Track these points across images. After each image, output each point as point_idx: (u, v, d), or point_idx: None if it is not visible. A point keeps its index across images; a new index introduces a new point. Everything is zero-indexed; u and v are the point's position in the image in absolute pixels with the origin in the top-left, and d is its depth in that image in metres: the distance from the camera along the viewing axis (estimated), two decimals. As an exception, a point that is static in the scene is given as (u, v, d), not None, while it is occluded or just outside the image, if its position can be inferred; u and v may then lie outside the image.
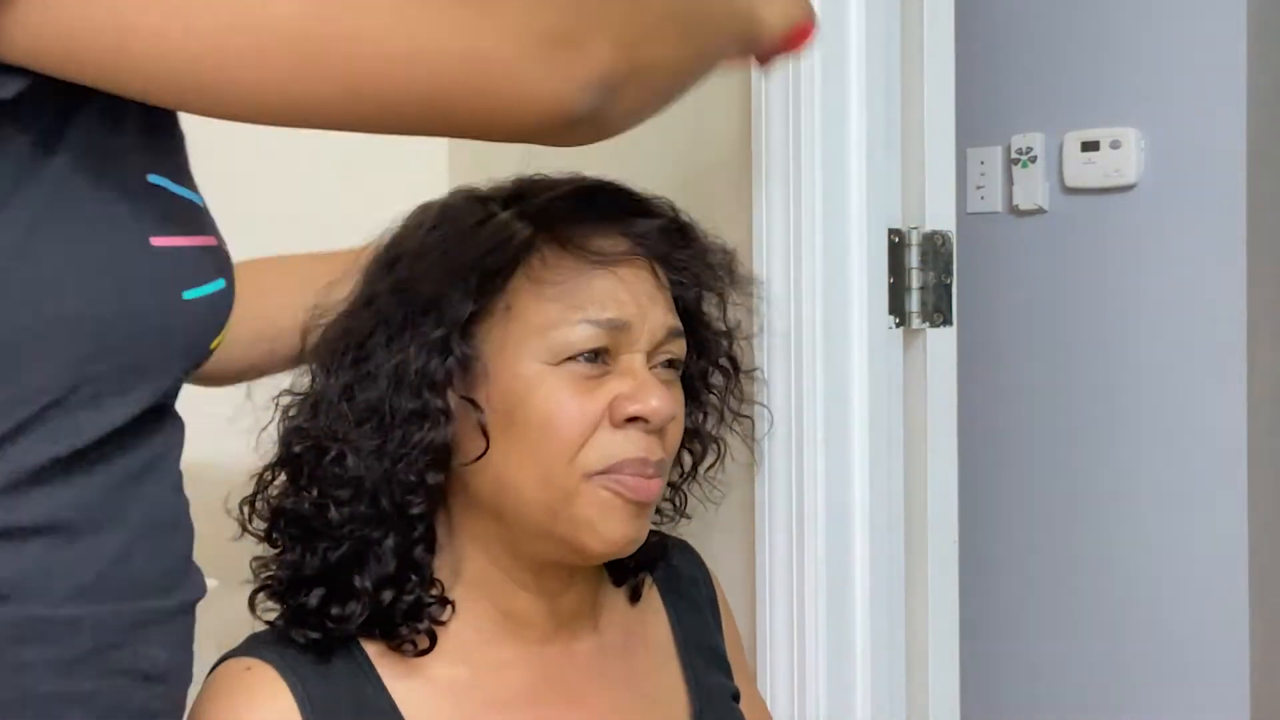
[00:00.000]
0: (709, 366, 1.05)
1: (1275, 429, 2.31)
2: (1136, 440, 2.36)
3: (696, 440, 1.06)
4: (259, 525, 0.98)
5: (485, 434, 0.93)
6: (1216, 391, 2.26)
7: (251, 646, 0.96)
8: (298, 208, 1.16)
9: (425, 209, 1.02)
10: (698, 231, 1.02)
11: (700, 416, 1.06)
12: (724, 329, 1.06)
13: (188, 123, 1.27)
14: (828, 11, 1.41)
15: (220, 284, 0.81)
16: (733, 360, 1.07)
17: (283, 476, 0.97)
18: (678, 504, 1.08)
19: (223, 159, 1.31)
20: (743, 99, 1.46)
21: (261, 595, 0.98)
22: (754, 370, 1.13)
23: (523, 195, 0.98)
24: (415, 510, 0.94)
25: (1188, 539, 2.30)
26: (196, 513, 1.05)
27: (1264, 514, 2.28)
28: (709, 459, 1.08)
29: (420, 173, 1.35)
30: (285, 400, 0.98)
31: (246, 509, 0.98)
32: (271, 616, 0.99)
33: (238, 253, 1.09)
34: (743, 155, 1.46)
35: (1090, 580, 2.42)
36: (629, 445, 0.93)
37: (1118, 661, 2.39)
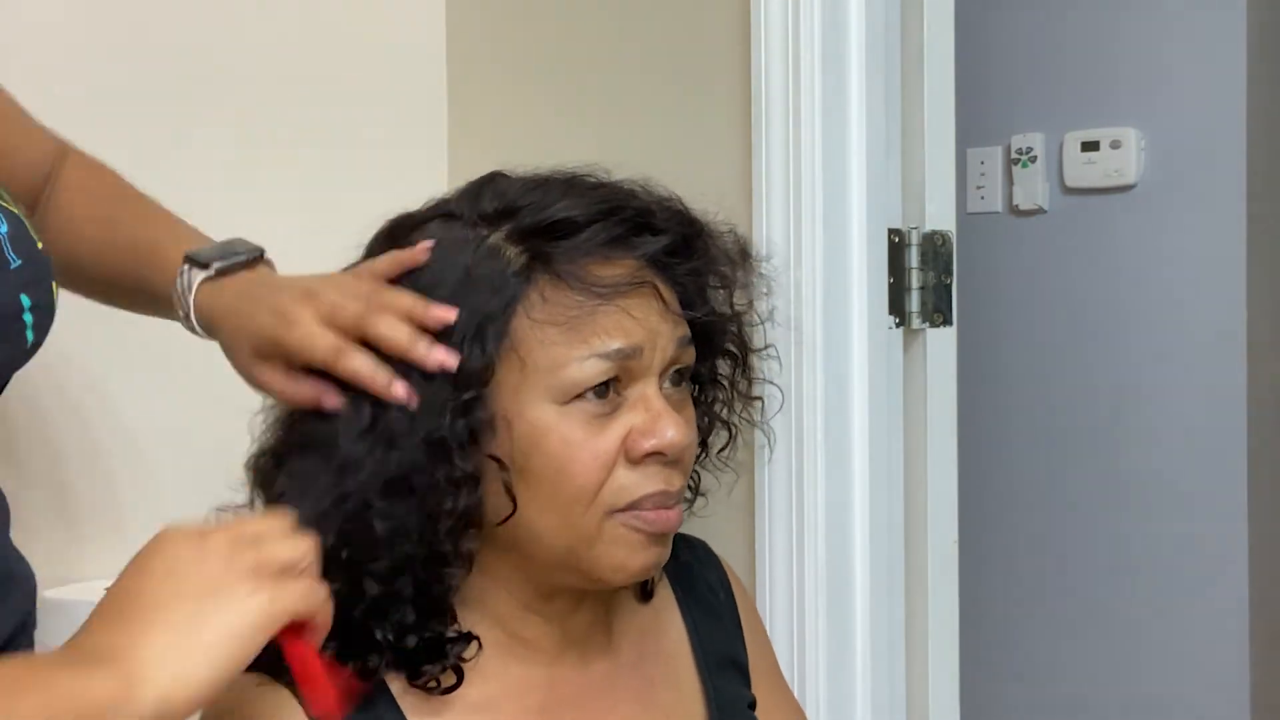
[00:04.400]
0: (717, 356, 1.02)
1: (1275, 430, 2.31)
2: (1136, 440, 2.36)
3: (708, 421, 1.03)
4: None
5: (511, 495, 0.90)
6: (1216, 391, 2.26)
7: (262, 663, 0.94)
8: (295, 218, 1.16)
9: (401, 229, 0.96)
10: (706, 233, 0.98)
11: (710, 399, 1.03)
12: (730, 313, 1.01)
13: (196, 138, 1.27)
14: (828, 12, 1.41)
15: None
16: (741, 344, 1.03)
17: None
18: (693, 485, 1.05)
19: (226, 169, 1.31)
20: (743, 99, 1.46)
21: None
22: (765, 349, 1.07)
23: (511, 210, 0.92)
24: (454, 582, 0.92)
25: (1188, 539, 2.30)
26: (192, 513, 1.05)
27: (1264, 514, 2.28)
28: (721, 441, 1.06)
29: (420, 184, 1.35)
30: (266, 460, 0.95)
31: None
32: None
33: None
34: (743, 155, 1.46)
35: (1090, 580, 2.42)
36: (648, 480, 0.91)
37: (1118, 661, 2.39)
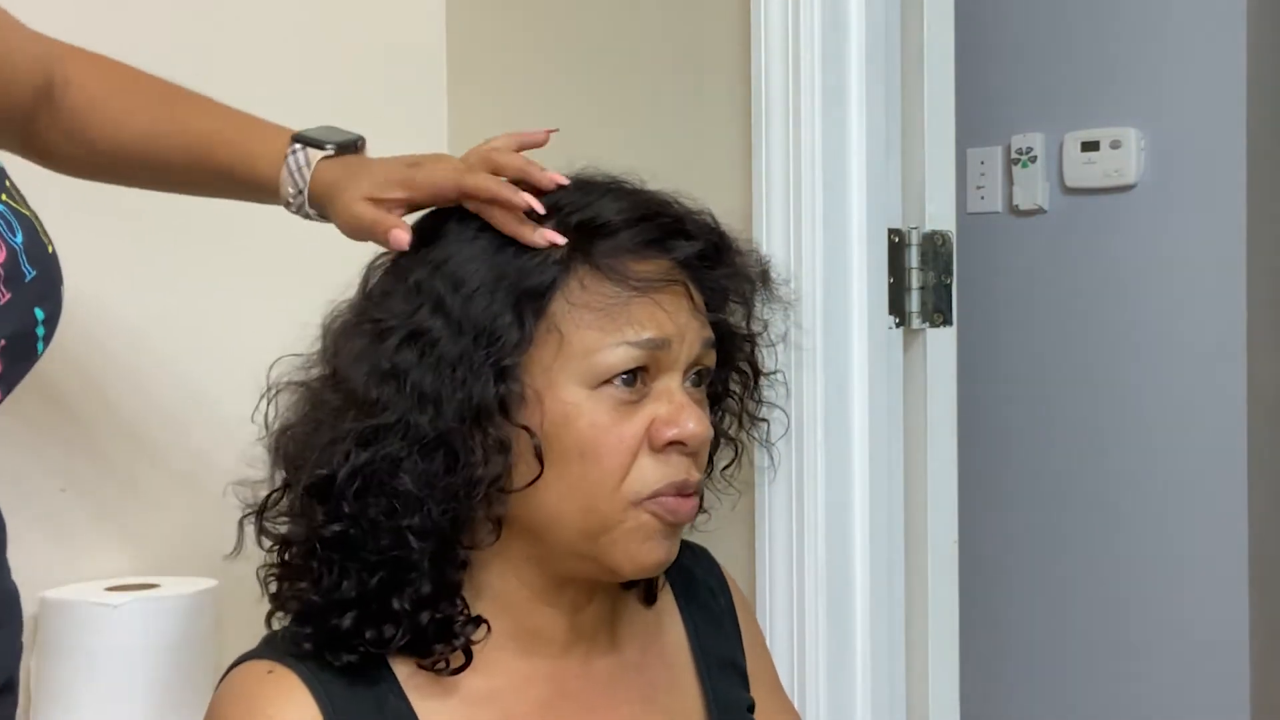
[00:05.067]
0: (730, 371, 1.05)
1: (1275, 429, 2.31)
2: (1136, 440, 2.36)
3: (714, 437, 1.05)
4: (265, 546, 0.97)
5: (540, 459, 0.92)
6: (1216, 391, 2.26)
7: (271, 650, 0.95)
8: (295, 217, 1.16)
9: (443, 214, 0.99)
10: (735, 246, 1.02)
11: (719, 416, 1.05)
12: (747, 333, 1.05)
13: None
14: (828, 12, 1.41)
15: None
16: (753, 364, 1.07)
17: (287, 499, 0.95)
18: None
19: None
20: (744, 99, 1.46)
21: (280, 614, 0.96)
22: (774, 374, 1.11)
23: (555, 207, 0.96)
24: (490, 544, 0.94)
25: (1188, 539, 2.30)
26: (191, 513, 1.05)
27: (1264, 514, 2.28)
28: (726, 459, 1.08)
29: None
30: (288, 421, 0.96)
31: (255, 526, 0.96)
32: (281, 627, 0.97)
33: (244, 245, 1.09)
34: (743, 155, 1.46)
35: (1090, 580, 2.42)
36: (669, 469, 0.94)
37: (1117, 661, 2.39)
